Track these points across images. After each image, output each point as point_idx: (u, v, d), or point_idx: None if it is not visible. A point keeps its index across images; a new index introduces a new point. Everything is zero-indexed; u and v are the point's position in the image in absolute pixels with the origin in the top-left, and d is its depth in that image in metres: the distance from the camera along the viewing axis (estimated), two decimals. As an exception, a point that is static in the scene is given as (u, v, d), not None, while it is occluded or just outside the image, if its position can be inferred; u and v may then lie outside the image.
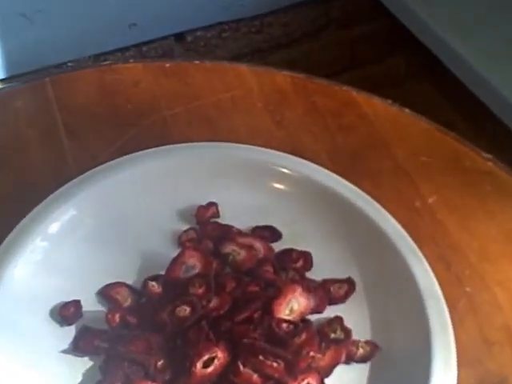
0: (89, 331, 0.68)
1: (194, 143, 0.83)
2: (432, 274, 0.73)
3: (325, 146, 0.89)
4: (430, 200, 0.85)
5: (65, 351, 0.67)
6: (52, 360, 0.66)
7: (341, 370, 0.67)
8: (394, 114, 0.95)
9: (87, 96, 0.91)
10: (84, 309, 0.70)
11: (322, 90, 0.97)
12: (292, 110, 0.93)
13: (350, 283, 0.74)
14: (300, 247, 0.77)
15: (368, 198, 0.78)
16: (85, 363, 0.66)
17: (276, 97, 0.93)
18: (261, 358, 0.63)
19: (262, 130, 0.90)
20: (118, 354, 0.65)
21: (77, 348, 0.67)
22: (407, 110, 0.95)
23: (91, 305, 0.71)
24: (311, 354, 0.66)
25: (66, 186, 0.77)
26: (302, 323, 0.67)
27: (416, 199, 0.84)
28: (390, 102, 0.97)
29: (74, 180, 0.77)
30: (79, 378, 0.65)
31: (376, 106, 0.95)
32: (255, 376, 0.63)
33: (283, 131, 0.91)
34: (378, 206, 0.78)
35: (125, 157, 0.80)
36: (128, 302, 0.71)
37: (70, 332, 0.68)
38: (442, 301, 0.71)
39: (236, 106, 0.93)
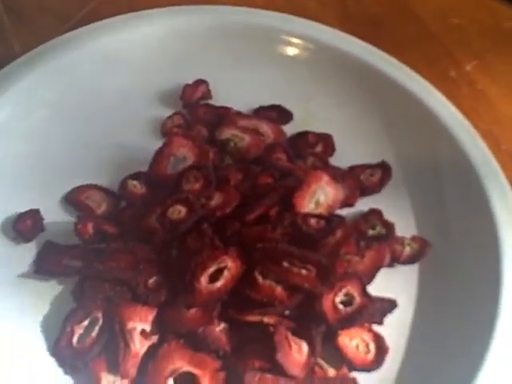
0: (54, 248, 0.53)
1: (173, 7, 0.65)
2: (488, 151, 0.58)
3: (334, 11, 0.74)
4: (468, 67, 0.70)
5: (24, 275, 0.52)
6: (8, 287, 0.51)
7: (384, 275, 0.52)
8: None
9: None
10: (46, 220, 0.55)
11: None
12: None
13: (384, 168, 0.59)
14: (317, 129, 0.60)
15: (403, 66, 0.63)
16: (52, 288, 0.51)
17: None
18: (285, 264, 0.48)
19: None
20: (96, 273, 0.50)
21: (40, 269, 0.52)
22: (425, -34, 0.78)
23: (54, 215, 0.55)
24: (348, 256, 0.51)
25: (12, 64, 0.60)
26: (336, 218, 0.51)
27: (451, 67, 0.70)
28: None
29: (22, 58, 0.60)
30: (46, 308, 0.51)
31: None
32: (279, 288, 0.48)
33: (278, -3, 0.73)
34: (415, 75, 0.62)
35: (84, 27, 0.62)
36: (103, 208, 0.55)
37: (30, 250, 0.53)
38: (505, 183, 0.56)
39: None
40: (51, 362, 0.47)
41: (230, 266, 0.48)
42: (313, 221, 0.51)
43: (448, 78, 0.69)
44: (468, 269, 0.53)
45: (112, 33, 0.62)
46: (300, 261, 0.48)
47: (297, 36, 0.64)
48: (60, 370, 0.47)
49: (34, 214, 0.54)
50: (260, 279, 0.48)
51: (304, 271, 0.48)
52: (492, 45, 0.72)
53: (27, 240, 0.53)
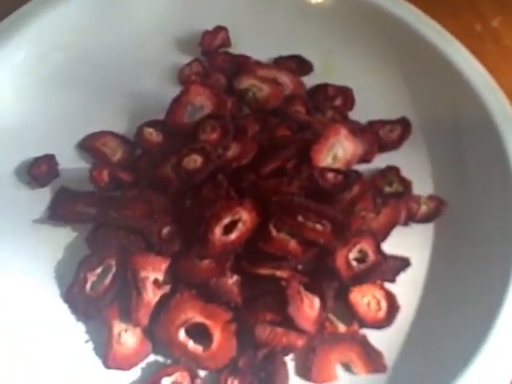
0: (69, 194, 0.52)
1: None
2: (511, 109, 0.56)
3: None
4: (494, 22, 0.68)
5: (38, 220, 0.52)
6: (23, 231, 0.51)
7: (399, 233, 0.52)
8: None
9: None
10: (61, 166, 0.54)
11: None
12: None
13: (404, 124, 0.58)
14: (337, 82, 0.59)
15: (428, 18, 0.61)
16: (67, 234, 0.52)
17: None
18: (300, 218, 0.48)
19: None
20: (110, 220, 0.50)
21: (54, 215, 0.52)
22: None
23: (69, 161, 0.55)
24: (363, 212, 0.50)
25: (28, 4, 0.58)
26: (353, 173, 0.51)
27: (476, 21, 0.68)
28: None
29: (33, 1, 0.58)
30: (60, 253, 0.51)
31: None
32: (293, 242, 0.48)
33: None
34: (441, 29, 0.60)
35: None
36: (118, 156, 0.55)
37: (45, 195, 0.53)
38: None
39: None
40: (64, 308, 0.48)
41: (245, 218, 0.48)
42: (330, 175, 0.50)
43: (473, 32, 0.67)
44: (484, 230, 0.52)
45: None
46: (315, 215, 0.47)
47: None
48: (73, 317, 0.48)
49: (49, 159, 0.54)
50: (274, 232, 0.48)
51: (319, 226, 0.47)
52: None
53: (42, 185, 0.53)
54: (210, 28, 0.61)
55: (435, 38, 0.60)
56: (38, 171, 0.53)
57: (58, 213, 0.51)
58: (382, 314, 0.49)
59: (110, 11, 0.60)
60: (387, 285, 0.50)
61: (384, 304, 0.49)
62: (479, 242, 0.51)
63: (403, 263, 0.51)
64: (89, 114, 0.56)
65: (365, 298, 0.49)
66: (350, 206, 0.49)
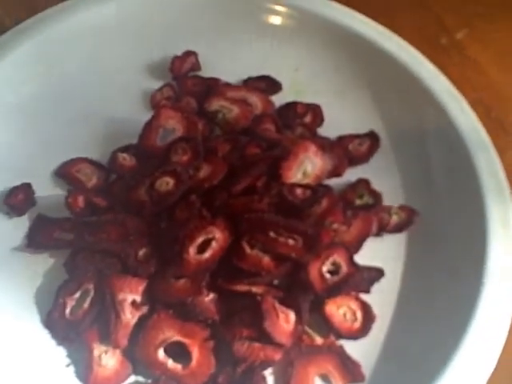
0: (46, 221, 0.53)
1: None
2: (476, 120, 0.58)
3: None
4: (459, 35, 0.69)
5: (17, 248, 0.53)
6: (1, 260, 0.52)
7: (371, 244, 0.53)
8: None
9: None
10: (37, 194, 0.55)
11: None
12: None
13: (372, 138, 0.59)
14: (306, 100, 0.61)
15: (391, 33, 0.62)
16: (45, 261, 0.52)
17: None
18: (271, 234, 0.49)
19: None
20: (87, 245, 0.51)
21: (32, 243, 0.52)
22: None
23: (46, 188, 0.56)
24: (335, 225, 0.51)
25: (1, 37, 0.60)
26: (322, 188, 0.52)
27: (441, 35, 0.70)
28: None
29: (11, 31, 0.60)
30: (39, 280, 0.51)
31: None
32: (266, 258, 0.49)
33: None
34: (403, 43, 0.62)
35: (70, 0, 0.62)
36: (93, 182, 0.56)
37: (22, 224, 0.54)
38: (493, 151, 0.56)
39: None
40: (45, 334, 0.48)
41: (218, 236, 0.49)
42: (299, 191, 0.51)
43: (438, 45, 0.69)
44: (455, 237, 0.53)
45: (99, 5, 0.62)
46: (286, 230, 0.48)
47: (284, 4, 0.64)
48: (53, 341, 0.48)
49: (26, 188, 0.54)
50: (247, 249, 0.48)
51: (290, 241, 0.48)
52: (484, 11, 0.72)
53: (19, 214, 0.54)
54: (179, 53, 0.62)
55: (400, 53, 0.61)
56: (16, 200, 0.54)
57: (36, 240, 0.52)
58: (357, 324, 0.49)
59: (82, 38, 0.61)
60: (362, 295, 0.50)
61: (359, 314, 0.50)
62: (451, 250, 0.52)
63: (377, 273, 0.52)
64: (63, 142, 0.57)
65: (340, 310, 0.49)
66: (319, 219, 0.50)
